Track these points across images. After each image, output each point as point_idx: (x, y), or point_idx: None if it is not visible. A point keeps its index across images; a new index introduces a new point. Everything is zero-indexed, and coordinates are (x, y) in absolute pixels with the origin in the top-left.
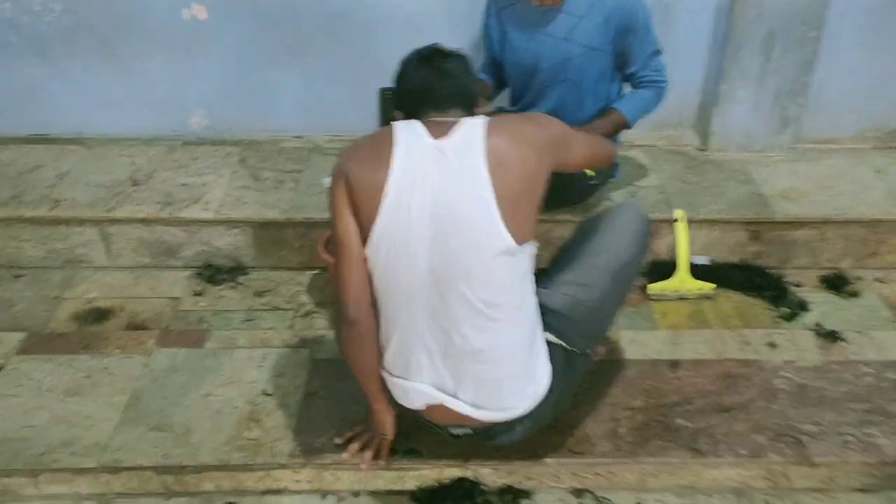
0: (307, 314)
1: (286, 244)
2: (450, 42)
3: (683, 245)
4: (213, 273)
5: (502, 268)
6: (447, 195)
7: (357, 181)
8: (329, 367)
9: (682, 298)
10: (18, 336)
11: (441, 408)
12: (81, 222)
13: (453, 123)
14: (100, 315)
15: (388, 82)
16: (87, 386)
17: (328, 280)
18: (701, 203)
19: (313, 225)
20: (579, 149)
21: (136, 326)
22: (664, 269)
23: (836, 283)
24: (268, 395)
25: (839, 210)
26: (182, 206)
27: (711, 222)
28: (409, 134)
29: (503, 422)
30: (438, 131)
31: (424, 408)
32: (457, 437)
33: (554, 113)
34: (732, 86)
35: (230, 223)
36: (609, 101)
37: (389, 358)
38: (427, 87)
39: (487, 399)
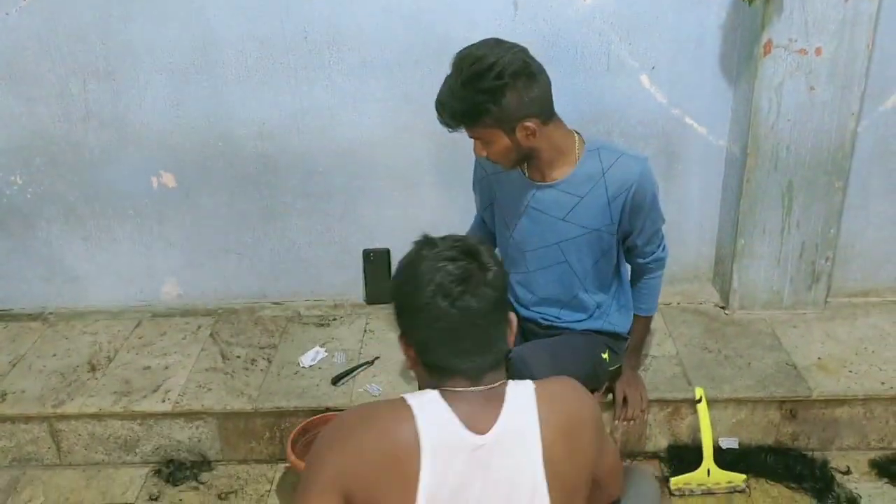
0: None
1: (255, 436)
2: (438, 201)
3: (707, 430)
4: (174, 470)
5: None
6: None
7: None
8: None
9: (709, 493)
10: None
11: None
12: (28, 419)
13: (493, 399)
14: None
15: (372, 243)
16: None
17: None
18: (725, 377)
19: (283, 414)
20: (610, 452)
21: None
22: (687, 455)
23: (890, 469)
24: None
25: (887, 384)
26: (139, 397)
27: (739, 401)
28: (438, 431)
29: None
30: (475, 417)
31: None
32: None
33: (551, 296)
34: (751, 240)
35: (190, 415)
36: (609, 280)
37: None
38: (464, 345)
39: None
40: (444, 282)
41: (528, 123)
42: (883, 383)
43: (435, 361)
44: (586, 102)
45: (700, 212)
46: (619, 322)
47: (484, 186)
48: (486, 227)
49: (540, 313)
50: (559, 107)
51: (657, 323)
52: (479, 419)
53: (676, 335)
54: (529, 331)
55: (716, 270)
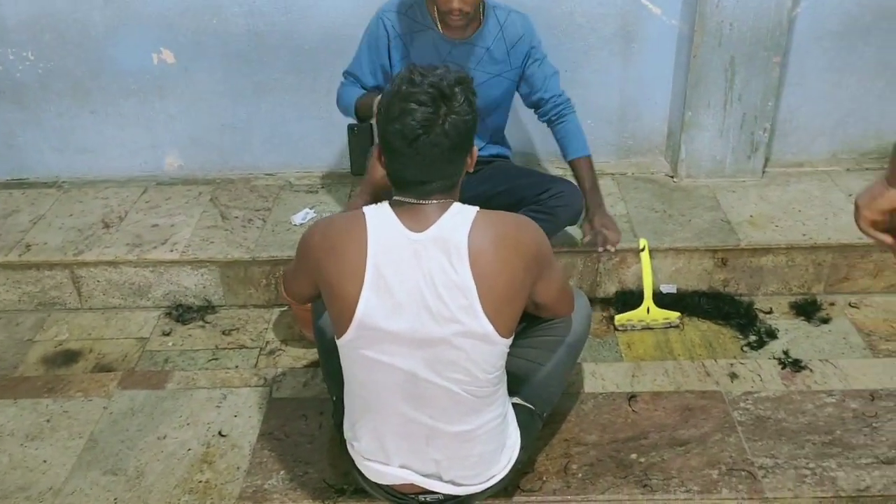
0: (272, 352)
1: (253, 283)
2: None
3: (648, 274)
4: (183, 312)
5: (483, 356)
6: (426, 292)
7: (330, 276)
8: (286, 407)
9: (648, 328)
10: None
11: (416, 485)
12: (52, 266)
13: (436, 211)
14: (68, 357)
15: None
16: (46, 430)
17: (294, 318)
18: (667, 231)
19: (278, 263)
20: (555, 280)
21: (102, 368)
22: (631, 298)
23: (807, 310)
24: (223, 436)
25: (807, 235)
26: (150, 248)
27: (678, 251)
28: (381, 226)
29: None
30: (414, 221)
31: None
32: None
33: None
34: (697, 113)
35: (196, 263)
36: (501, 123)
37: (363, 443)
38: (417, 172)
39: (470, 476)
40: (406, 124)
41: None
42: (804, 235)
43: (394, 176)
44: None
45: (654, 89)
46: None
47: (384, 48)
48: (375, 79)
49: None
50: None
51: (611, 188)
52: (417, 223)
53: (628, 199)
54: None
55: (667, 143)
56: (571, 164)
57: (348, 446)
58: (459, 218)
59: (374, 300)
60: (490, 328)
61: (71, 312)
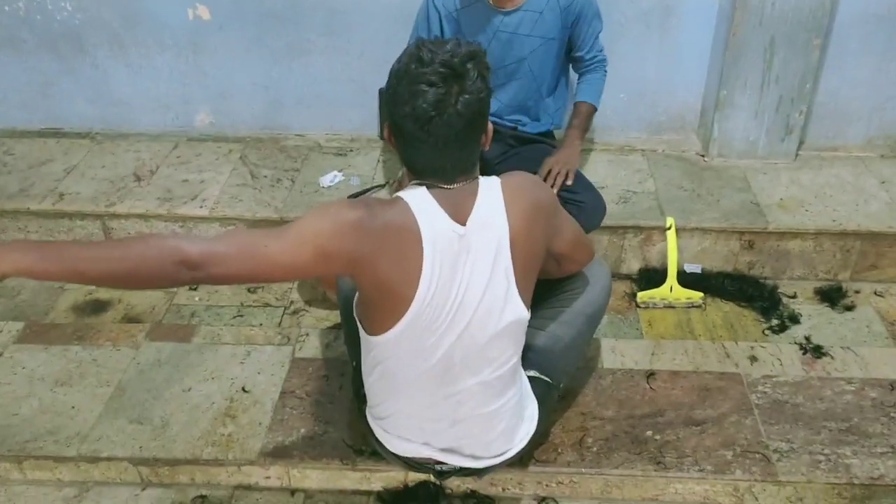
0: (295, 312)
1: None
2: None
3: (673, 253)
4: None
5: (513, 339)
6: (476, 287)
7: (382, 274)
8: (308, 366)
9: (670, 307)
10: (18, 325)
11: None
12: (84, 216)
13: (468, 193)
14: (98, 307)
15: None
16: (76, 376)
17: (320, 281)
18: (694, 210)
19: None
20: (568, 229)
21: (130, 319)
22: (655, 276)
23: (832, 296)
24: (246, 391)
25: (837, 221)
26: (180, 203)
27: (704, 230)
28: (432, 222)
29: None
30: (456, 209)
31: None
32: (443, 472)
33: (516, 103)
34: (732, 92)
35: (224, 220)
36: (557, 85)
37: (386, 420)
38: (432, 156)
39: (489, 450)
40: (417, 106)
41: None
42: (834, 220)
43: (408, 161)
44: None
45: (690, 65)
46: (556, 118)
47: (436, 28)
48: None
49: (506, 119)
50: None
51: (641, 164)
52: (459, 211)
53: (657, 176)
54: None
55: (700, 121)
56: (575, 105)
57: (368, 417)
58: (490, 197)
59: (429, 300)
60: (524, 310)
61: None
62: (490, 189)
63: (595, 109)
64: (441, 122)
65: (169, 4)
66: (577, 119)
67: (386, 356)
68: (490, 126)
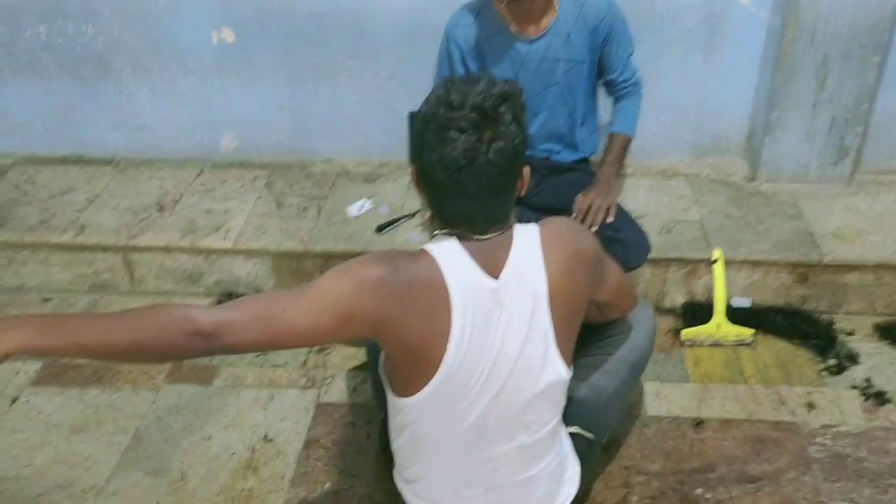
0: (321, 349)
1: (305, 275)
2: None
3: (720, 287)
4: None
5: (552, 401)
6: (511, 346)
7: (409, 335)
8: (334, 413)
9: (717, 345)
10: (36, 366)
11: None
12: (105, 249)
13: (503, 243)
14: None
15: (418, 105)
16: (92, 423)
17: None
18: (743, 241)
19: (332, 256)
20: (613, 276)
21: None
22: (700, 312)
23: (893, 333)
24: (268, 440)
25: None
26: (203, 235)
27: (754, 263)
28: (461, 277)
29: None
30: (489, 262)
31: None
32: None
33: (547, 131)
34: (783, 114)
35: (248, 253)
36: (591, 109)
37: (416, 486)
38: (462, 206)
39: None
40: (446, 154)
41: None
42: (895, 252)
43: (436, 210)
44: None
45: (737, 85)
46: (591, 144)
47: (459, 64)
48: None
49: (539, 149)
50: None
51: (684, 190)
52: (492, 263)
53: (702, 203)
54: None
55: (747, 143)
56: (609, 136)
57: (396, 479)
58: (527, 248)
59: (460, 360)
60: (564, 370)
61: (123, 296)
62: (526, 238)
63: (631, 139)
64: (472, 171)
65: (193, 28)
66: (612, 153)
67: (414, 419)
68: (527, 171)
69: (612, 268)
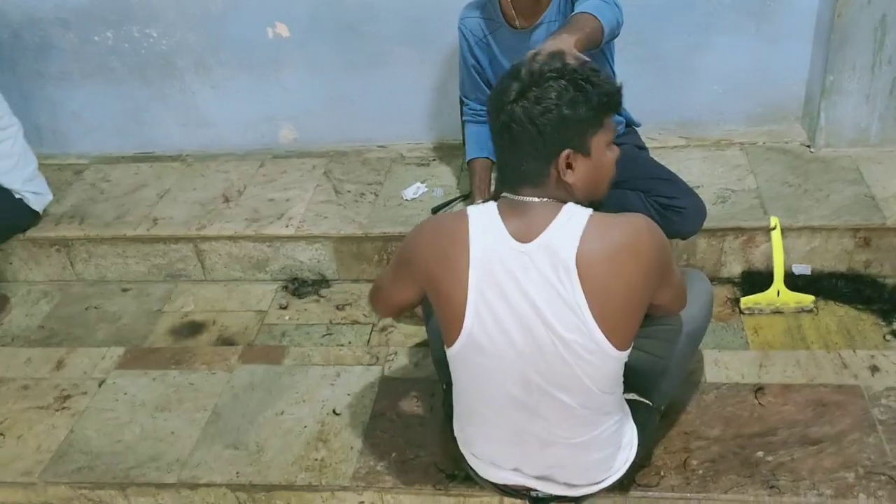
0: (383, 329)
1: (365, 258)
2: None
3: (779, 255)
4: (299, 286)
5: (603, 373)
6: (535, 309)
7: (440, 284)
8: (398, 387)
9: (777, 312)
10: (119, 350)
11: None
12: (177, 240)
13: (546, 214)
14: (194, 329)
15: None
16: (174, 401)
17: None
18: (801, 208)
19: (390, 239)
20: (675, 283)
21: (224, 341)
22: (759, 280)
23: None
24: (337, 414)
25: None
26: (267, 223)
27: (813, 229)
28: (486, 233)
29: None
30: (524, 226)
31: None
32: (538, 500)
33: None
34: (840, 77)
35: (310, 239)
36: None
37: (474, 446)
38: (503, 152)
39: (584, 478)
40: (493, 91)
41: None
42: None
43: (496, 156)
44: None
45: (791, 51)
46: (623, 113)
47: (470, 56)
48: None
49: None
50: None
51: (740, 159)
52: (525, 229)
53: (759, 172)
54: None
55: (804, 109)
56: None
57: (459, 442)
58: (570, 226)
59: (481, 313)
60: (605, 343)
61: (196, 284)
62: (572, 218)
63: (598, 22)
64: (499, 112)
65: (249, 25)
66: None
67: (462, 369)
68: (575, 159)
69: (676, 276)
